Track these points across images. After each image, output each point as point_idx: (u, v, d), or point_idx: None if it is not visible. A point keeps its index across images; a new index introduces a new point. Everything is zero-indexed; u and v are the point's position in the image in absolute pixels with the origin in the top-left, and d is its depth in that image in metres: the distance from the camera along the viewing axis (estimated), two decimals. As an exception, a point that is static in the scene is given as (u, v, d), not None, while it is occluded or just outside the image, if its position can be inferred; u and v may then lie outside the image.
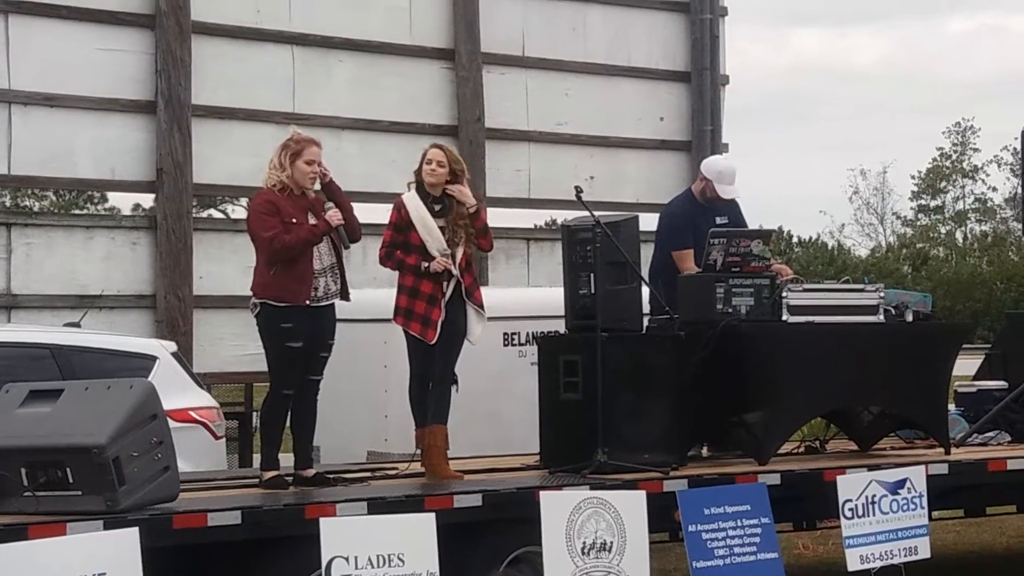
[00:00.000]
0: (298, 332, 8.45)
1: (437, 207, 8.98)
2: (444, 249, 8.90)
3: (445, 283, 8.92)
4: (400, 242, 8.96)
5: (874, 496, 8.90)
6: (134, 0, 12.29)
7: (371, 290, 11.05)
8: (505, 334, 10.76)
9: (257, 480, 8.60)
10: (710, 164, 10.87)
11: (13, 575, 6.17)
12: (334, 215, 8.57)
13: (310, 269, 8.50)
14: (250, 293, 8.67)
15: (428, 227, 8.91)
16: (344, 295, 8.69)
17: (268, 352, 8.58)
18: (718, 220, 10.34)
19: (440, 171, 8.97)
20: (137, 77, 12.26)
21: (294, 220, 8.47)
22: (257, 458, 13.41)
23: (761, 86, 70.97)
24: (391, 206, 9.20)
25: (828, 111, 73.86)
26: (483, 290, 9.21)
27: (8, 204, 30.87)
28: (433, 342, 8.89)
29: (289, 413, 8.62)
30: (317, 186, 8.69)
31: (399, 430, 9.83)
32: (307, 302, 8.47)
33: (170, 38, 12.29)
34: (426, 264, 8.87)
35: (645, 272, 10.02)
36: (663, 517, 8.47)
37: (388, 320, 10.71)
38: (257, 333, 8.71)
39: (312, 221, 8.55)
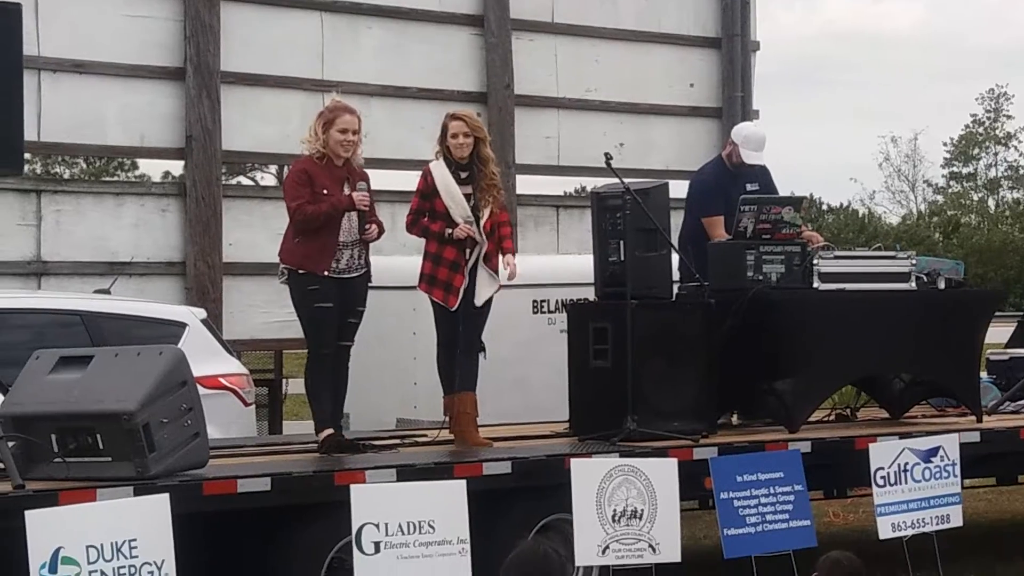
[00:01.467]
0: (326, 293, 8.48)
1: (463, 174, 8.96)
2: (468, 216, 8.88)
3: (468, 250, 8.90)
4: (426, 209, 8.96)
5: (906, 464, 8.87)
6: (163, -33, 12.26)
7: (399, 257, 11.02)
8: (534, 301, 10.73)
9: (305, 444, 8.60)
10: (738, 129, 10.87)
11: (44, 540, 6.19)
12: (362, 198, 8.56)
13: (333, 241, 8.51)
14: (279, 260, 8.69)
15: (452, 194, 8.89)
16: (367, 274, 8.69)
17: (300, 316, 8.62)
18: (749, 187, 10.30)
19: (466, 141, 8.95)
20: (166, 44, 12.23)
21: (325, 191, 8.46)
22: (287, 425, 13.53)
23: (792, 52, 70.66)
24: (418, 173, 9.19)
25: (859, 77, 73.56)
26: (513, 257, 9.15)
27: (38, 171, 30.93)
28: (455, 308, 8.88)
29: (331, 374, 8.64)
30: (361, 159, 8.67)
31: (428, 397, 9.83)
32: (326, 273, 8.47)
33: (199, 4, 12.25)
34: (449, 230, 8.86)
35: (675, 239, 9.98)
36: (693, 485, 8.45)
37: (416, 287, 10.73)
38: (286, 300, 8.73)
39: (346, 192, 8.55)
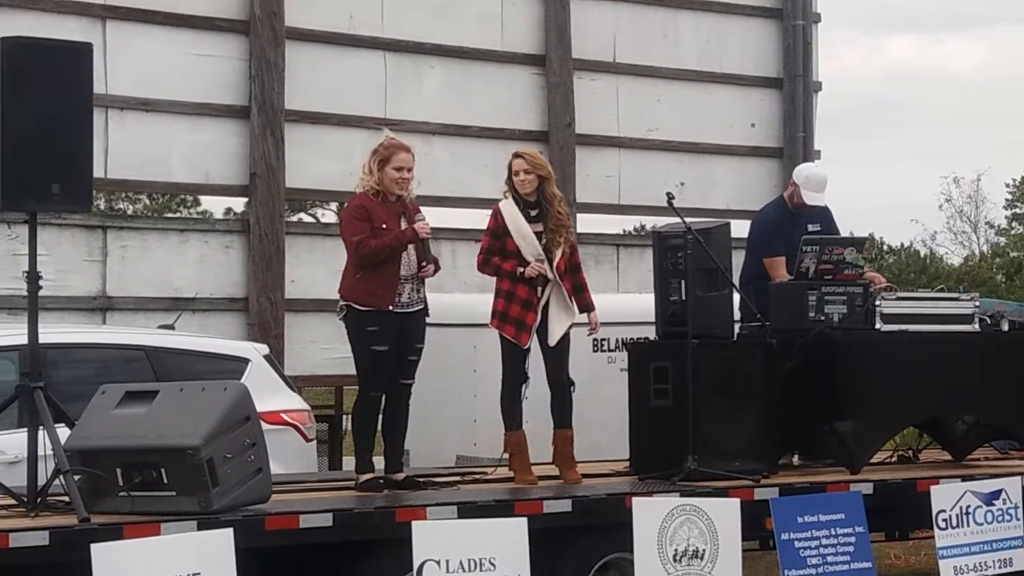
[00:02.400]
0: (383, 335, 8.49)
1: (533, 212, 9.00)
2: (539, 254, 8.91)
3: (540, 288, 8.93)
4: (497, 248, 9.00)
5: (968, 507, 8.81)
6: (229, 6, 12.40)
7: (460, 295, 11.09)
8: (595, 340, 10.72)
9: (352, 483, 8.64)
10: (800, 169, 10.86)
11: (109, 573, 6.23)
12: (423, 226, 8.60)
13: (396, 275, 8.54)
14: (339, 297, 8.73)
15: (522, 232, 8.93)
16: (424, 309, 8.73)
17: (355, 355, 8.64)
18: (810, 227, 10.27)
19: (528, 178, 8.99)
20: (231, 82, 12.38)
21: (384, 225, 8.51)
22: (347, 460, 13.56)
23: (855, 92, 70.33)
24: (481, 212, 9.25)
25: (922, 118, 73.11)
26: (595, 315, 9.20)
27: (103, 207, 31.22)
28: (526, 346, 8.91)
29: (380, 415, 8.67)
30: (414, 194, 8.72)
31: (488, 435, 9.85)
32: (391, 307, 8.51)
33: (264, 44, 12.39)
34: (521, 269, 8.89)
35: (736, 279, 9.97)
36: (754, 525, 8.41)
37: (477, 325, 10.75)
38: (347, 337, 8.76)
39: (403, 226, 8.59)
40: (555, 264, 8.94)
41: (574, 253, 9.15)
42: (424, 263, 8.65)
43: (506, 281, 8.96)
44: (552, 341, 8.96)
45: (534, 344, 8.99)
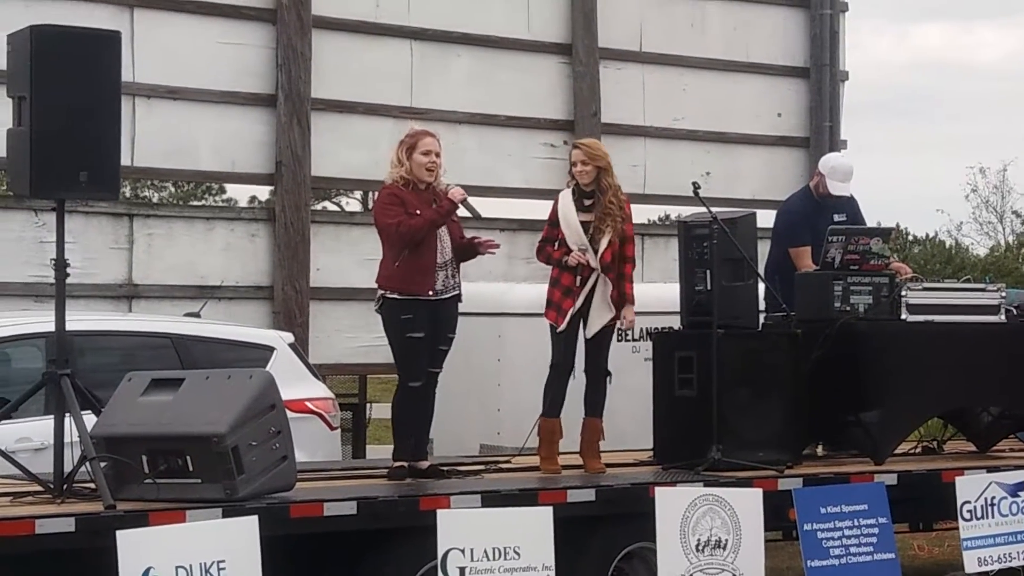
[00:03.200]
0: (419, 322, 8.52)
1: (587, 202, 9.01)
2: (582, 243, 8.91)
3: (581, 276, 8.93)
4: (553, 236, 9.04)
5: (993, 498, 8.79)
6: (256, -6, 12.42)
7: (484, 284, 11.10)
8: (619, 330, 10.73)
9: (376, 471, 8.67)
10: (825, 160, 10.84)
11: (134, 560, 6.27)
12: (456, 192, 8.62)
13: (433, 261, 8.57)
14: (365, 285, 8.76)
15: (569, 222, 8.95)
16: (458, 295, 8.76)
17: (393, 345, 8.66)
18: (836, 217, 10.25)
19: (586, 168, 9.00)
20: (258, 71, 12.39)
21: (418, 212, 8.53)
22: (371, 449, 13.61)
23: (882, 81, 69.99)
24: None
25: (949, 107, 72.72)
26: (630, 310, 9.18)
27: (128, 195, 31.31)
28: (560, 329, 8.90)
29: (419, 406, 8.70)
30: (443, 183, 8.72)
31: (512, 424, 9.87)
32: (430, 292, 8.53)
33: (291, 32, 12.41)
34: (565, 258, 8.92)
35: (762, 269, 9.97)
36: (777, 515, 8.41)
37: (502, 314, 10.79)
38: (371, 325, 8.78)
39: None
40: (599, 254, 8.94)
41: (626, 245, 9.10)
42: (477, 217, 8.61)
43: (555, 269, 9.01)
44: (589, 333, 8.96)
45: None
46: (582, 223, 8.93)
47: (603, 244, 8.95)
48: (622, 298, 9.04)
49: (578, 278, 8.92)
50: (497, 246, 8.98)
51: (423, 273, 8.53)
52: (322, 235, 12.64)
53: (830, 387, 9.43)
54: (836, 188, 10.31)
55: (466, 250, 8.86)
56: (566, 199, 9.03)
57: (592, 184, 8.99)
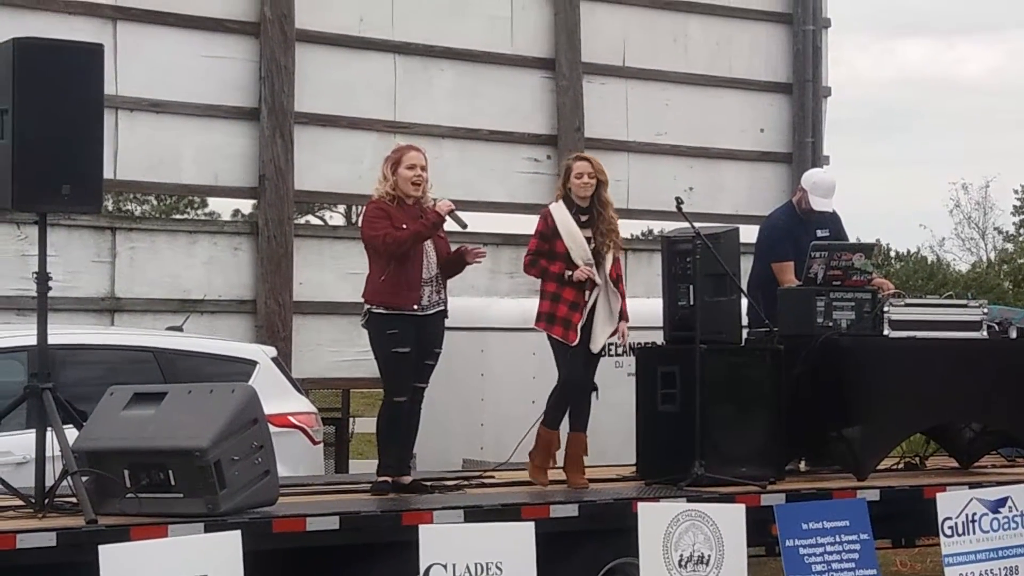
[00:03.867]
0: (405, 338, 8.51)
1: (583, 217, 9.00)
2: (588, 258, 8.91)
3: (587, 292, 8.93)
4: (545, 250, 8.99)
5: (974, 514, 8.78)
6: (240, 8, 12.42)
7: (468, 298, 11.09)
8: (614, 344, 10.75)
9: (358, 486, 8.66)
10: (808, 175, 10.86)
11: (117, 575, 6.24)
12: (444, 204, 8.63)
13: (418, 276, 8.56)
14: (348, 299, 8.76)
15: (574, 236, 8.93)
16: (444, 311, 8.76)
17: (378, 360, 8.65)
18: (819, 233, 10.27)
19: (591, 182, 9.00)
20: (241, 84, 12.39)
21: (404, 226, 8.53)
22: (354, 464, 13.58)
23: (866, 97, 70.14)
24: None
25: (932, 123, 72.88)
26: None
27: (111, 208, 31.27)
28: (575, 343, 8.90)
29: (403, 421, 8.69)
30: (430, 198, 8.72)
31: (495, 438, 9.87)
32: (414, 307, 8.52)
33: (274, 46, 12.41)
34: (569, 273, 8.89)
35: (745, 284, 9.98)
36: (760, 531, 8.41)
37: (485, 328, 10.78)
38: (354, 339, 8.78)
39: None
40: (607, 270, 8.94)
41: (617, 262, 9.14)
42: (463, 227, 8.67)
43: (552, 283, 8.95)
44: (596, 348, 8.96)
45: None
46: (585, 238, 8.93)
47: (609, 260, 8.96)
48: (620, 315, 9.08)
49: (586, 293, 8.92)
50: (484, 254, 8.97)
51: (409, 288, 8.53)
52: (305, 249, 12.62)
53: (813, 403, 9.43)
54: (818, 204, 10.33)
55: (453, 264, 8.86)
56: (563, 213, 9.00)
57: (588, 199, 8.99)
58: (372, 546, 7.70)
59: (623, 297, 9.12)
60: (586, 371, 9.01)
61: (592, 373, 9.04)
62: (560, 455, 9.10)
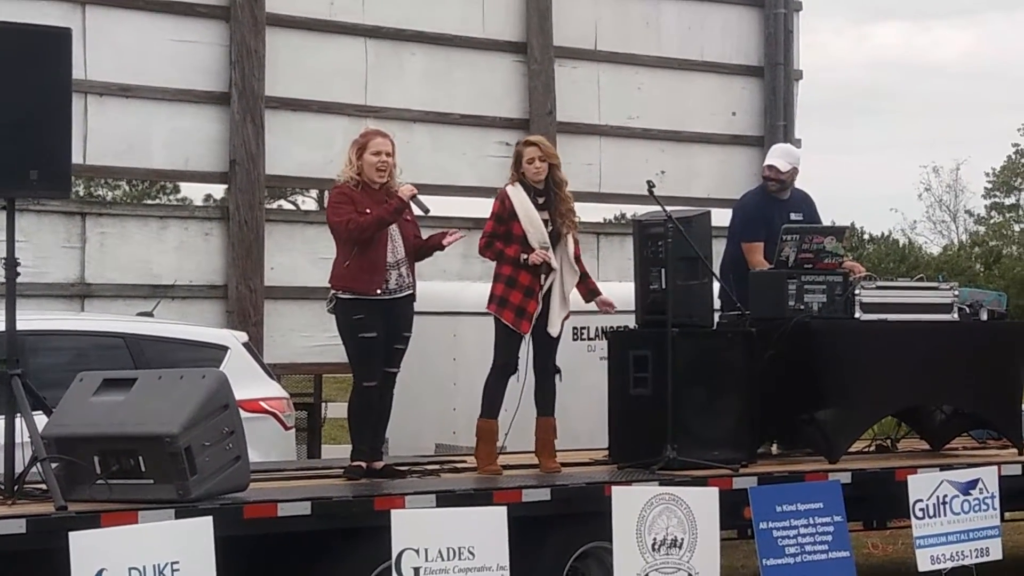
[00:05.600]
0: (371, 322, 8.50)
1: (540, 199, 8.99)
2: (545, 242, 8.90)
3: (544, 276, 8.92)
4: (501, 233, 8.96)
5: (945, 496, 8.82)
6: (210, -8, 12.36)
7: (440, 283, 11.08)
8: (574, 328, 10.72)
9: (330, 471, 8.65)
10: (770, 151, 10.93)
11: (87, 562, 6.22)
12: (407, 189, 8.61)
13: (383, 259, 8.55)
14: (320, 284, 8.74)
15: (531, 219, 8.91)
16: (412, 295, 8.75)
17: (347, 346, 8.64)
18: (792, 216, 10.29)
19: (542, 166, 8.98)
20: (212, 68, 12.33)
21: (368, 211, 8.51)
22: (326, 449, 13.56)
23: (839, 80, 70.33)
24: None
25: (905, 106, 73.15)
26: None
27: (82, 193, 31.14)
28: (527, 333, 8.89)
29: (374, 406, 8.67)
30: (398, 183, 8.69)
31: (467, 423, 9.83)
32: (378, 291, 8.51)
33: (244, 30, 12.35)
34: (525, 256, 8.87)
35: (717, 267, 9.98)
36: (732, 514, 8.43)
37: (457, 313, 10.75)
38: (326, 324, 8.76)
39: None
40: (569, 252, 8.93)
41: (576, 243, 9.13)
42: (425, 212, 8.67)
43: (507, 267, 8.93)
44: (554, 331, 8.96)
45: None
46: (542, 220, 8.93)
47: (570, 241, 8.96)
48: (592, 293, 9.09)
49: (542, 277, 8.91)
50: (460, 236, 8.94)
51: (373, 272, 8.51)
52: (276, 234, 12.58)
53: (784, 386, 9.45)
54: (771, 160, 10.42)
55: (424, 249, 8.84)
56: (520, 195, 8.98)
57: (543, 181, 8.98)
58: (344, 531, 7.69)
59: (587, 275, 9.12)
60: (548, 355, 9.00)
61: (553, 356, 9.04)
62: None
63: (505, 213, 8.95)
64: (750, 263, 10.14)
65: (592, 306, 9.30)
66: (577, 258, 9.04)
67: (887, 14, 78.75)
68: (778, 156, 10.54)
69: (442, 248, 8.90)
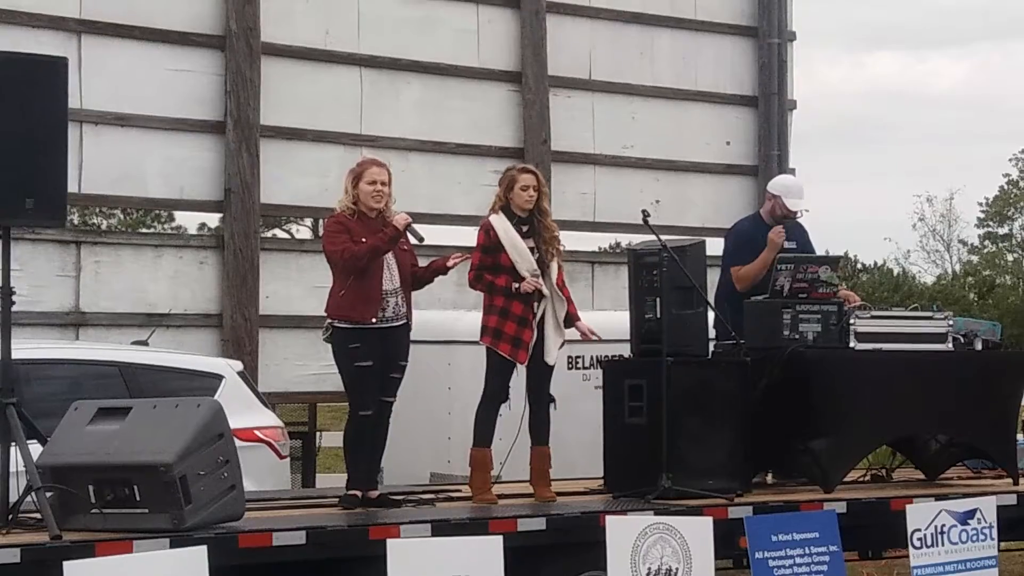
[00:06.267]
0: (367, 351, 8.50)
1: (524, 228, 9.00)
2: (534, 269, 8.91)
3: (536, 303, 8.92)
4: (489, 264, 8.97)
5: (943, 526, 8.81)
6: (205, 21, 12.37)
7: (435, 312, 11.07)
8: (569, 357, 10.75)
9: (325, 500, 8.64)
10: (776, 181, 10.88)
11: (81, 592, 6.20)
12: (401, 218, 8.62)
13: (379, 288, 8.56)
14: (315, 313, 8.74)
15: (518, 248, 8.92)
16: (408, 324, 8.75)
17: (342, 375, 8.64)
18: (786, 245, 10.29)
19: (535, 196, 9.00)
20: (207, 98, 12.34)
21: (364, 240, 8.52)
22: (320, 478, 13.55)
23: (834, 110, 70.49)
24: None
25: (900, 136, 73.26)
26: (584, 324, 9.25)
27: (76, 222, 31.14)
28: (524, 363, 8.89)
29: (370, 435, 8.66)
30: (392, 213, 8.70)
31: (462, 452, 9.82)
32: (374, 320, 8.51)
33: (240, 59, 12.37)
34: (516, 285, 8.87)
35: (711, 297, 9.98)
36: (727, 544, 8.43)
37: (452, 342, 10.75)
38: (321, 353, 8.75)
39: None
40: (554, 279, 8.95)
41: (560, 269, 9.14)
42: (420, 240, 8.67)
43: (499, 297, 8.92)
44: (551, 359, 8.97)
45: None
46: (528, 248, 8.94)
47: (554, 268, 8.98)
48: (570, 318, 9.07)
49: (535, 305, 8.91)
50: (464, 257, 8.93)
51: (369, 301, 8.52)
52: (271, 262, 12.58)
53: (779, 415, 9.45)
54: (795, 204, 10.36)
55: (426, 275, 8.86)
56: (504, 225, 8.98)
57: (530, 209, 8.99)
58: (339, 560, 7.68)
59: (570, 302, 9.12)
60: (542, 383, 9.00)
61: (548, 384, 9.03)
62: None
63: (490, 243, 8.96)
64: (739, 287, 10.11)
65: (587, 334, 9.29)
66: (561, 284, 9.05)
67: (881, 44, 79.01)
68: (796, 196, 10.43)
69: (446, 272, 8.92)
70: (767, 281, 9.81)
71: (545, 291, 8.92)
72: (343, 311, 8.55)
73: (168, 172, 12.23)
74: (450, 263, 8.84)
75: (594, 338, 9.30)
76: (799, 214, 10.37)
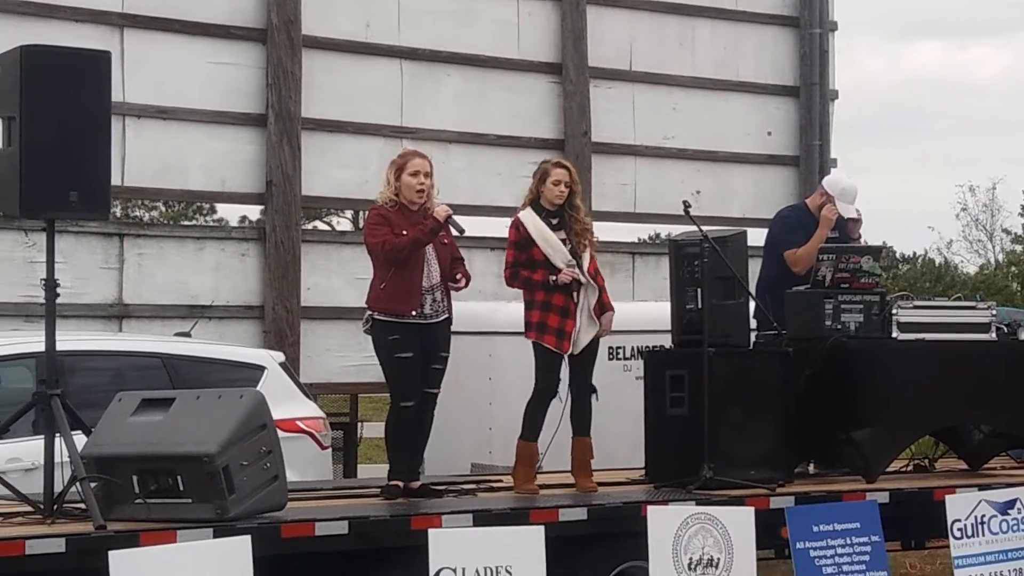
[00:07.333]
0: (407, 343, 8.51)
1: (554, 220, 9.00)
2: (569, 260, 8.91)
3: (575, 293, 8.93)
4: (523, 260, 8.98)
5: (984, 516, 8.78)
6: (246, 14, 12.43)
7: (475, 303, 11.09)
8: (610, 348, 10.73)
9: (366, 490, 8.66)
10: (834, 181, 10.73)
11: (126, 581, 6.25)
12: (442, 209, 8.62)
13: (419, 283, 8.55)
14: (356, 304, 8.76)
15: (549, 241, 8.92)
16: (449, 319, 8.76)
17: (383, 366, 8.65)
18: (828, 235, 10.26)
19: (565, 191, 9.01)
20: (248, 90, 12.40)
21: (404, 232, 8.53)
22: (362, 468, 13.59)
23: (876, 99, 70.09)
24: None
25: (942, 125, 72.79)
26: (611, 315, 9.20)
27: (119, 215, 31.31)
28: (569, 353, 8.91)
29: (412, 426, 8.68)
30: (434, 205, 8.71)
31: (503, 443, 9.85)
32: (413, 314, 8.52)
33: (281, 52, 12.42)
34: (553, 277, 8.88)
35: (752, 287, 9.97)
36: (769, 534, 8.41)
37: (493, 333, 10.76)
38: (362, 344, 8.77)
39: None
40: (586, 268, 8.95)
41: (593, 259, 9.15)
42: (458, 277, 8.63)
43: (539, 292, 8.93)
44: (576, 349, 8.95)
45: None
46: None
47: (586, 259, 8.97)
48: (602, 307, 9.06)
49: (575, 295, 8.92)
50: (462, 285, 8.87)
51: (409, 295, 8.53)
52: (312, 254, 12.62)
53: (821, 405, 9.43)
54: (845, 211, 10.34)
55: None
56: (533, 219, 8.99)
57: (561, 204, 8.99)
58: (381, 550, 7.70)
59: (603, 290, 9.10)
60: (584, 374, 9.00)
61: (590, 375, 9.03)
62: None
63: (521, 239, 8.97)
64: (795, 269, 10.08)
65: (628, 326, 9.30)
66: (594, 271, 9.03)
67: (923, 33, 78.55)
68: (849, 202, 10.37)
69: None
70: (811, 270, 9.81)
71: (583, 280, 8.92)
72: (383, 303, 8.56)
73: (210, 165, 12.29)
74: (453, 286, 8.78)
75: (604, 335, 9.24)
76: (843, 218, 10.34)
